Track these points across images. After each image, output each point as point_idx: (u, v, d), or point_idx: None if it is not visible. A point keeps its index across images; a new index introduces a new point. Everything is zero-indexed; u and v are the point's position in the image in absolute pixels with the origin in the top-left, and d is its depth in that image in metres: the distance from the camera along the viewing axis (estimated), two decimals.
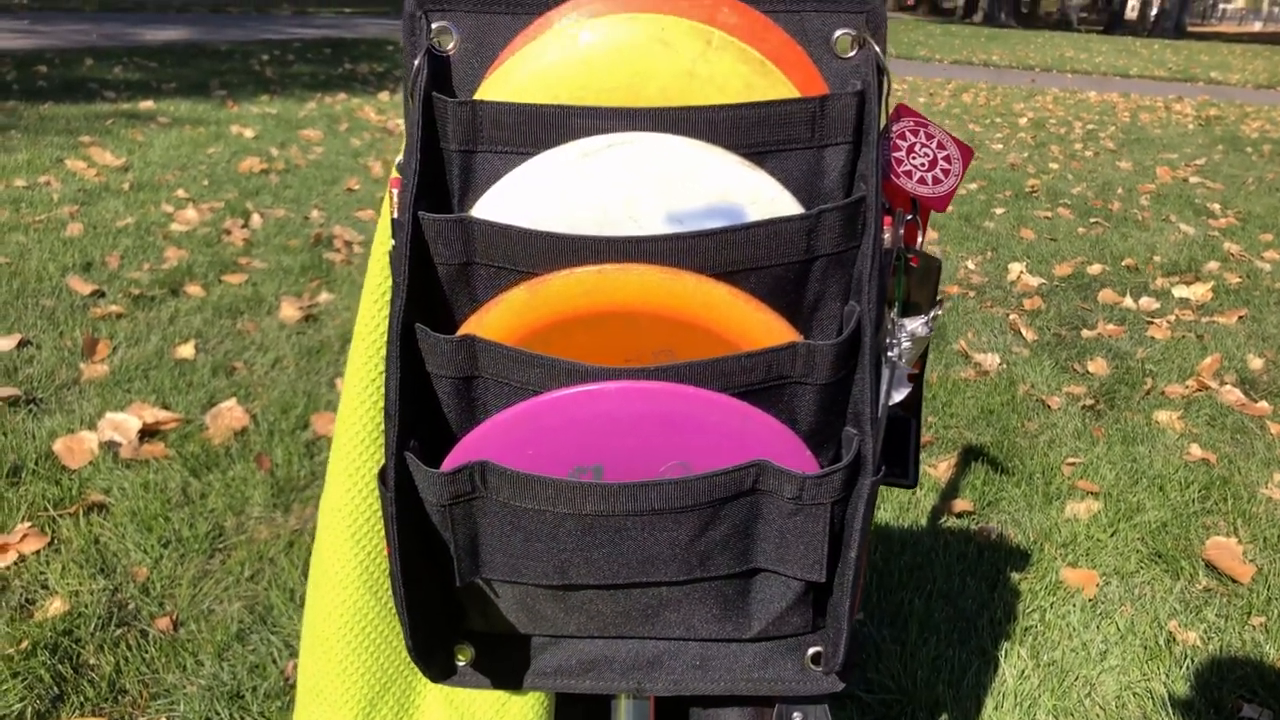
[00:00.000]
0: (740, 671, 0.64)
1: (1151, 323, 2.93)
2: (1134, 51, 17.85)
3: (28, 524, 1.62)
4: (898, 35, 18.90)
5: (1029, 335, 2.77)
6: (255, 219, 3.41)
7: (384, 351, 0.62)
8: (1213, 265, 3.56)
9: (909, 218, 0.61)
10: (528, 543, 0.55)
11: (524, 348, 0.54)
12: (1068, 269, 3.43)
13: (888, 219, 0.59)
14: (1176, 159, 5.88)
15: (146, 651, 1.38)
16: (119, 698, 1.30)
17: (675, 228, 0.54)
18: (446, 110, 0.54)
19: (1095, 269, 3.45)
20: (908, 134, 0.60)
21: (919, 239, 0.61)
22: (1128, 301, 3.11)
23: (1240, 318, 3.01)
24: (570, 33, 0.55)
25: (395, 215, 0.56)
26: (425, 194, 0.55)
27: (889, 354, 0.58)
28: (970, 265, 3.43)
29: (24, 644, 1.36)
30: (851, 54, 0.58)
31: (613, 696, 0.73)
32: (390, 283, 0.62)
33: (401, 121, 5.56)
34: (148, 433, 1.92)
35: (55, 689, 1.30)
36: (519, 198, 0.54)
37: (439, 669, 0.62)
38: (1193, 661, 1.47)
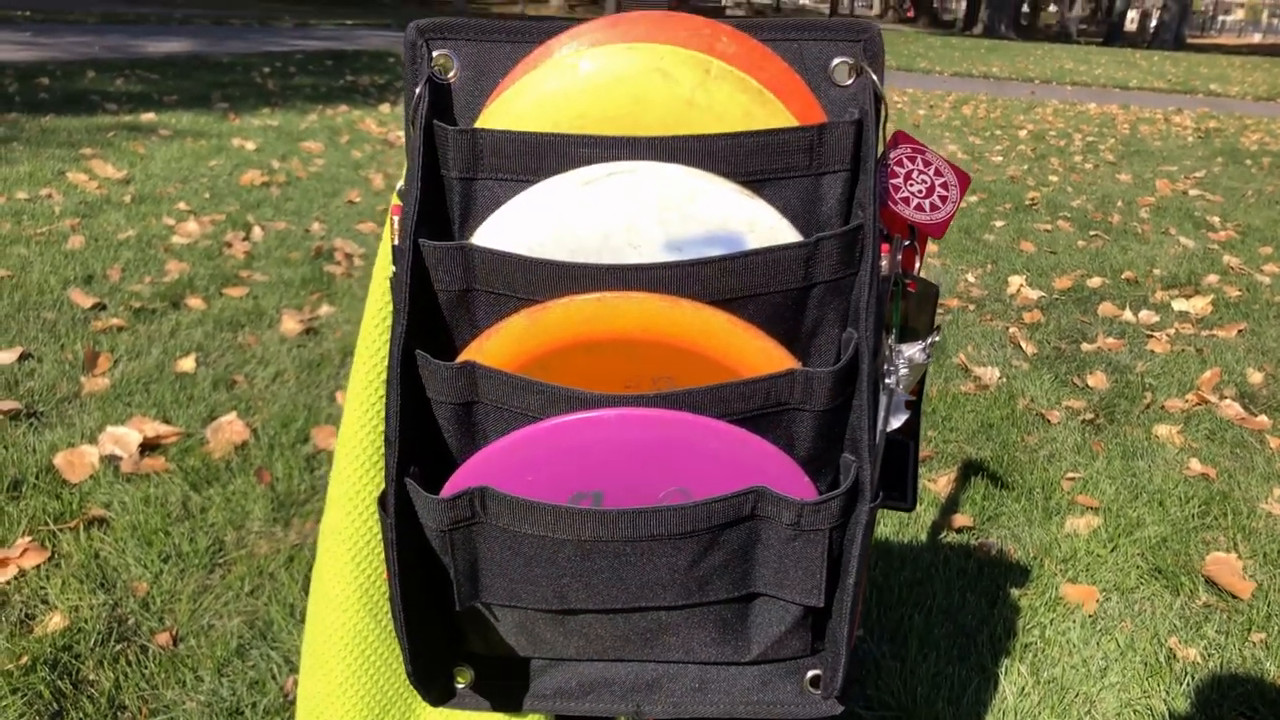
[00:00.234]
0: (739, 694, 0.64)
1: (1151, 336, 2.93)
2: (1133, 63, 17.90)
3: (28, 538, 1.62)
4: (898, 47, 18.96)
5: (1029, 349, 2.77)
6: (256, 232, 3.42)
7: (384, 376, 0.62)
8: (1212, 278, 3.57)
9: (906, 243, 0.61)
10: (527, 568, 0.56)
11: (524, 374, 0.54)
12: (1068, 282, 3.43)
13: (885, 246, 0.60)
14: (1176, 171, 5.90)
15: (146, 667, 1.38)
16: (118, 714, 1.30)
17: (675, 255, 0.55)
18: (447, 138, 0.55)
19: (1095, 282, 3.46)
20: (905, 160, 0.61)
21: (916, 265, 0.62)
22: (1127, 315, 3.12)
23: (1240, 331, 3.01)
24: (570, 62, 0.55)
25: (396, 242, 0.56)
26: (426, 221, 0.55)
27: (887, 381, 0.58)
28: (970, 278, 3.44)
29: (24, 659, 1.36)
30: (849, 82, 0.58)
31: (612, 719, 0.73)
32: (391, 308, 0.62)
33: (402, 134, 5.57)
34: (148, 447, 1.92)
35: (55, 705, 1.30)
36: (519, 225, 0.55)
37: (439, 692, 0.62)
38: (1193, 678, 1.47)
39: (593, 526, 0.53)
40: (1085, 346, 2.82)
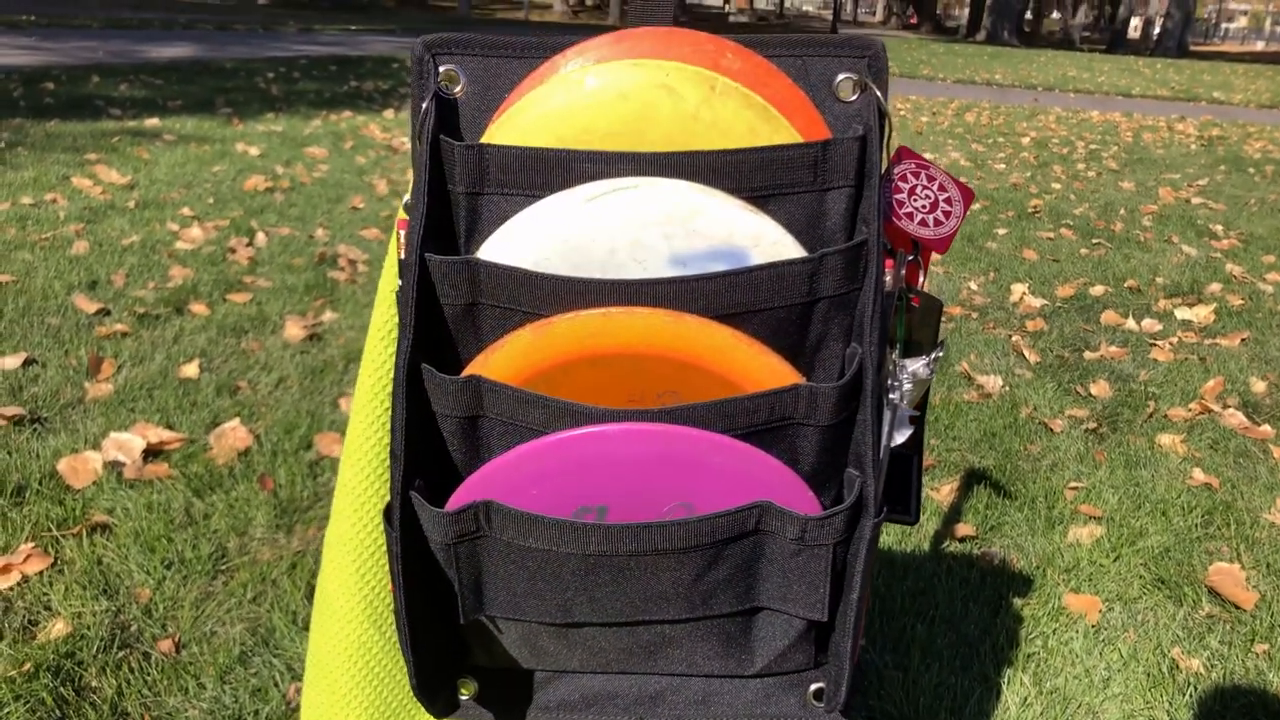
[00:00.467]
0: (742, 707, 0.64)
1: (1154, 345, 2.93)
2: (1137, 71, 17.91)
3: (31, 544, 1.62)
4: (901, 54, 18.98)
5: (1031, 357, 2.77)
6: (260, 237, 3.43)
7: (390, 389, 0.63)
8: (1215, 287, 3.56)
9: (910, 258, 0.61)
10: (531, 581, 0.56)
11: (529, 389, 0.54)
12: (1070, 290, 3.43)
13: (889, 261, 0.60)
14: (1179, 179, 5.90)
15: (148, 674, 1.38)
16: None
17: (679, 270, 0.55)
18: (454, 154, 0.55)
19: (1098, 290, 3.46)
20: (909, 176, 0.61)
21: (920, 279, 0.62)
22: (1130, 323, 3.12)
23: (1243, 340, 3.01)
24: (576, 78, 0.55)
25: (402, 256, 0.57)
26: (432, 235, 0.55)
27: (891, 396, 0.59)
28: (973, 286, 3.44)
29: (26, 666, 1.36)
30: (853, 98, 0.58)
31: None
32: (396, 320, 0.62)
33: (406, 139, 5.59)
34: (152, 453, 1.93)
35: (57, 712, 1.30)
36: (525, 240, 0.55)
37: (442, 704, 0.62)
38: (1196, 689, 1.47)
39: (597, 541, 0.53)
40: (1088, 355, 2.82)
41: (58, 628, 1.45)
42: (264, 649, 1.44)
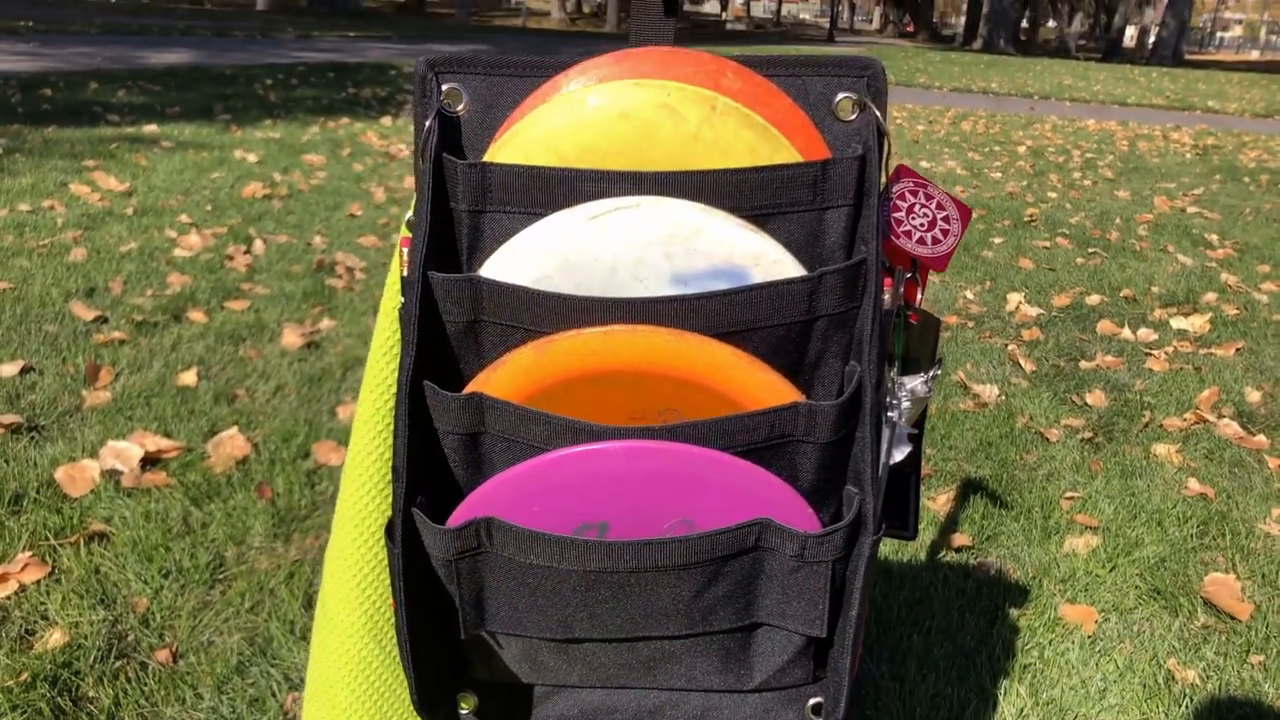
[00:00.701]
0: None
1: (1150, 354, 2.94)
2: (1132, 79, 17.97)
3: (29, 553, 1.62)
4: (898, 62, 19.03)
5: (1028, 366, 2.78)
6: (258, 245, 3.43)
7: (392, 404, 0.63)
8: (1210, 297, 3.58)
9: (909, 276, 0.62)
10: (532, 598, 0.56)
11: (531, 406, 0.55)
12: (1066, 299, 3.44)
13: (888, 279, 0.60)
14: (1174, 188, 5.92)
15: (146, 684, 1.38)
16: None
17: (680, 289, 0.55)
18: (456, 172, 0.56)
19: (1094, 299, 3.47)
20: (907, 194, 0.62)
21: (918, 297, 0.62)
22: (1126, 333, 3.13)
23: (1238, 350, 3.02)
24: (578, 97, 0.56)
25: (405, 274, 0.57)
26: (434, 252, 0.56)
27: (890, 414, 0.59)
28: (969, 295, 3.45)
29: (24, 676, 1.36)
30: (853, 117, 0.59)
31: None
32: (399, 336, 0.63)
33: (404, 146, 5.59)
34: (149, 461, 1.93)
35: None
36: (527, 258, 0.55)
37: (443, 718, 0.62)
38: (1192, 700, 1.47)
39: (598, 558, 0.54)
40: (1084, 364, 2.83)
41: (55, 637, 1.45)
42: (261, 659, 1.44)
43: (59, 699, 1.33)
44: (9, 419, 2.03)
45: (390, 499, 0.63)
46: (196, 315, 2.71)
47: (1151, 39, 31.42)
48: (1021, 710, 1.43)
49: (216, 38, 13.30)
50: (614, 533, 0.55)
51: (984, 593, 1.70)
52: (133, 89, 7.14)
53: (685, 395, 0.55)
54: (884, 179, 0.60)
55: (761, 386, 0.55)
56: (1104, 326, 3.17)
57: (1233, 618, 1.67)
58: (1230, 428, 2.42)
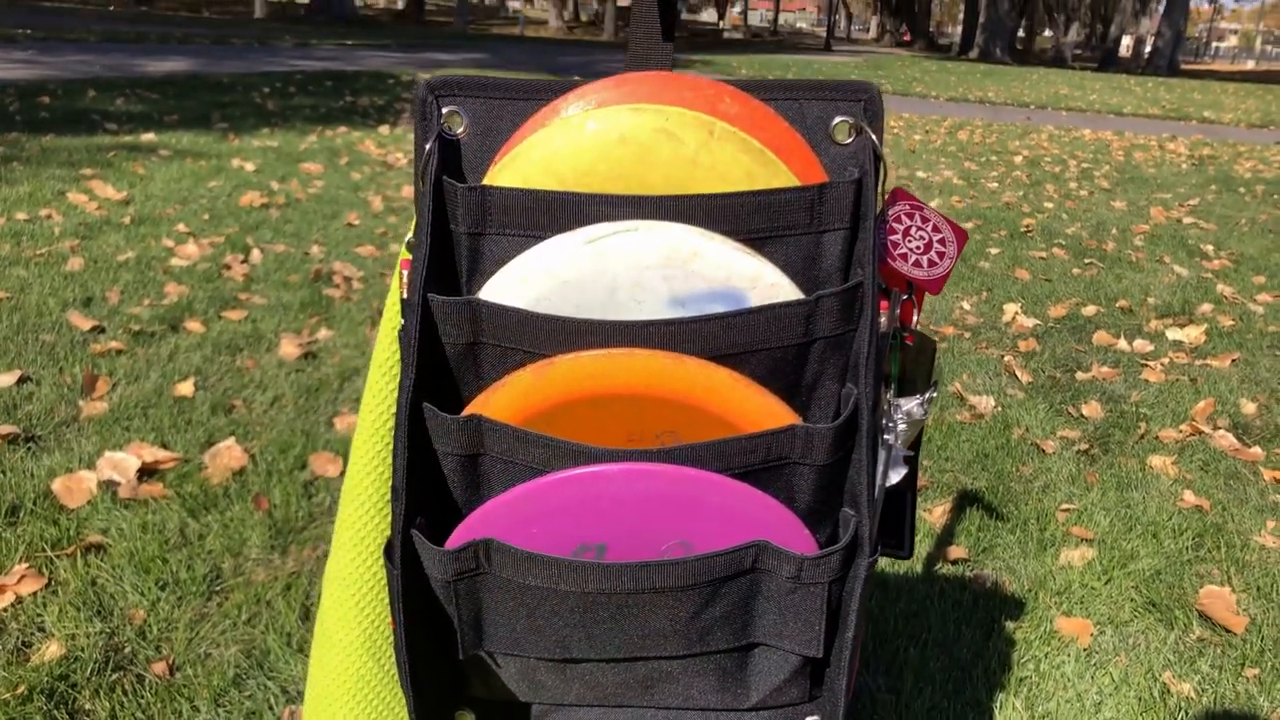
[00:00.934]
0: None
1: (1145, 365, 2.95)
2: (1128, 89, 18.04)
3: (25, 565, 1.62)
4: (895, 71, 19.09)
5: (1024, 377, 2.78)
6: (255, 254, 3.43)
7: (391, 425, 0.63)
8: (1206, 307, 3.59)
9: (905, 298, 0.62)
10: (531, 618, 0.56)
11: (530, 428, 0.55)
12: (1062, 310, 3.45)
13: (884, 301, 0.61)
14: (1170, 199, 5.94)
15: (142, 696, 1.38)
16: None
17: (679, 311, 0.56)
18: (456, 195, 0.56)
19: (1090, 310, 3.48)
20: (903, 217, 0.62)
21: (914, 318, 0.63)
22: (1122, 344, 3.14)
23: (1233, 361, 3.03)
24: (577, 122, 0.56)
25: (405, 296, 0.57)
26: (434, 274, 0.56)
27: (886, 436, 0.59)
28: (966, 306, 3.45)
29: (20, 689, 1.36)
30: (849, 141, 0.60)
31: None
32: (398, 357, 0.63)
33: (401, 154, 5.60)
34: (146, 472, 1.93)
35: None
36: (526, 281, 0.56)
37: None
38: (1187, 714, 1.47)
39: (596, 579, 0.54)
40: (1080, 375, 2.84)
41: (52, 649, 1.45)
42: (259, 671, 1.44)
43: (55, 712, 1.33)
44: (6, 429, 2.03)
45: (389, 518, 0.63)
46: (194, 325, 2.72)
47: (1147, 49, 31.55)
48: None
49: (214, 45, 13.32)
50: (612, 554, 0.55)
51: (980, 605, 1.70)
52: (131, 97, 7.15)
53: (683, 418, 0.55)
54: (880, 203, 0.60)
55: (759, 409, 0.55)
56: (1100, 337, 3.18)
57: (1228, 631, 1.67)
58: (1225, 439, 2.42)
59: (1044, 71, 23.74)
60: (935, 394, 0.60)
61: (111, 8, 20.37)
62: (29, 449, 1.99)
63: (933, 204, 5.27)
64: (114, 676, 1.41)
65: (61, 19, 16.35)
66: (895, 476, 0.59)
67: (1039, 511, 2.03)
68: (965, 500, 2.06)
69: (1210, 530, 2.00)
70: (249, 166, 4.92)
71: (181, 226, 3.71)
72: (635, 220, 0.55)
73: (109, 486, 1.86)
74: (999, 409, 2.56)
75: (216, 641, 1.50)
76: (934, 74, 18.91)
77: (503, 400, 0.55)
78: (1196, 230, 5.02)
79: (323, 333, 2.73)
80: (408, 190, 4.70)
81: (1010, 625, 1.66)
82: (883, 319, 0.60)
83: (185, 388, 2.31)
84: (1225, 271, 4.18)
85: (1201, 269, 4.20)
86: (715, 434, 0.55)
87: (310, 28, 20.33)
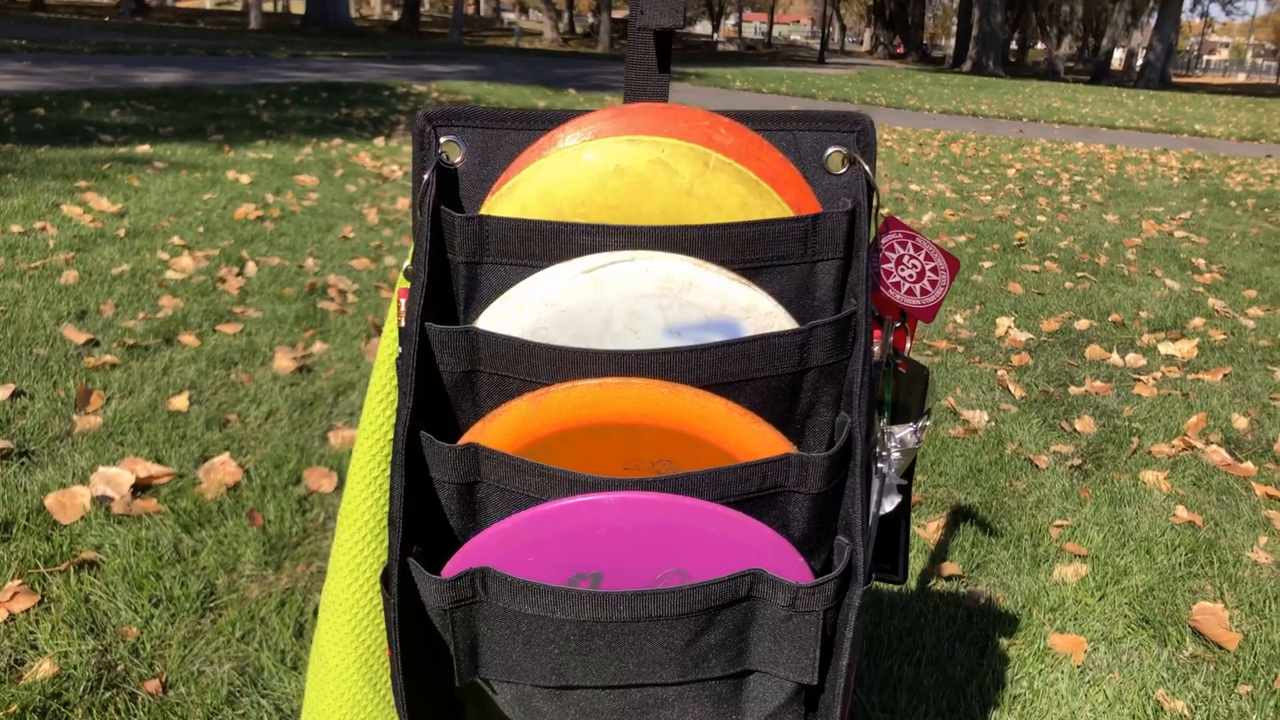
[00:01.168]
0: None
1: (1138, 380, 2.96)
2: (1120, 102, 18.14)
3: (18, 581, 1.62)
4: (888, 84, 19.17)
5: (1017, 392, 2.79)
6: (250, 267, 3.43)
7: (388, 452, 0.64)
8: (1198, 321, 3.60)
9: (897, 325, 0.63)
10: (527, 646, 0.57)
11: (526, 456, 0.55)
12: (1055, 324, 3.47)
13: (877, 330, 0.61)
14: (1162, 212, 5.97)
15: (135, 715, 1.37)
16: None
17: (674, 341, 0.56)
18: (454, 225, 0.56)
19: (1082, 324, 3.50)
20: (896, 246, 0.63)
21: (907, 346, 0.63)
22: (1114, 358, 3.15)
23: (1225, 375, 3.04)
24: (574, 152, 0.57)
25: (403, 324, 0.58)
26: (432, 303, 0.56)
27: (879, 465, 0.60)
28: (959, 320, 3.47)
29: (13, 707, 1.36)
30: (842, 171, 0.60)
31: None
32: (395, 385, 0.63)
33: (396, 166, 5.61)
34: (140, 487, 1.92)
35: None
36: (523, 310, 0.56)
37: None
38: None
39: (592, 608, 0.54)
40: (1073, 390, 2.85)
41: (44, 667, 1.44)
42: (252, 689, 1.44)
43: None
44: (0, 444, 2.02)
45: (385, 544, 0.64)
46: (188, 338, 2.71)
47: (1139, 62, 31.74)
48: None
49: (210, 57, 13.33)
50: (608, 583, 0.56)
51: (974, 622, 1.70)
52: (126, 109, 7.15)
53: (679, 447, 0.56)
54: (873, 232, 0.61)
55: (754, 438, 0.56)
56: (1092, 351, 3.19)
57: (1221, 647, 1.68)
58: (1218, 454, 2.43)
59: (1036, 84, 23.87)
60: (929, 421, 0.61)
61: (106, 19, 20.39)
62: (22, 464, 1.99)
63: (925, 217, 5.29)
64: (107, 695, 1.41)
65: (56, 30, 16.36)
66: (889, 504, 0.60)
67: (1032, 527, 2.04)
68: (959, 516, 2.06)
69: (1203, 546, 2.00)
70: (244, 179, 4.93)
71: (176, 239, 3.71)
72: (631, 250, 0.56)
73: (102, 502, 1.86)
74: (992, 423, 2.57)
75: (210, 659, 1.49)
76: (927, 86, 19.00)
77: (499, 429, 0.56)
78: (1188, 244, 5.05)
79: (317, 346, 2.73)
80: (403, 203, 4.71)
81: (1004, 642, 1.66)
82: (875, 347, 0.61)
83: (180, 402, 2.31)
84: (1216, 285, 4.20)
85: (1193, 283, 4.22)
86: (710, 463, 0.56)
87: (306, 39, 20.36)
